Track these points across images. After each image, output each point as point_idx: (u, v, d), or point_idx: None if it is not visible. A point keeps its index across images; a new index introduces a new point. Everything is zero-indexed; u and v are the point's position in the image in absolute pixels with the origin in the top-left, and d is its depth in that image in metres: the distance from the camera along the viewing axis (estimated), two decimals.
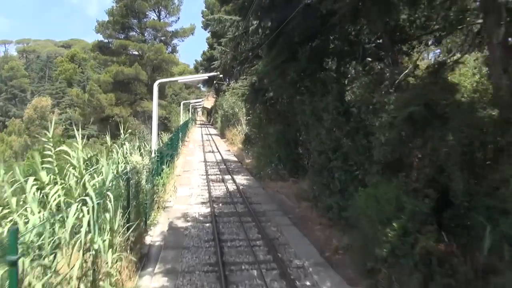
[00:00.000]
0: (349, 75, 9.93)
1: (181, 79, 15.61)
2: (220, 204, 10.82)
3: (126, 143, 11.57)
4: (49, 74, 72.98)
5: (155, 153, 12.54)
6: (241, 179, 15.20)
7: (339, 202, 8.52)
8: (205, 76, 15.25)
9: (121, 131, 11.13)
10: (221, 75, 16.39)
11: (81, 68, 61.43)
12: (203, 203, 11.03)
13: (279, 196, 13.12)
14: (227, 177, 15.37)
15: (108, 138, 11.28)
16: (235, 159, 22.21)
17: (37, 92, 64.17)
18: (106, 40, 38.01)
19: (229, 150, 26.77)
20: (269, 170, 16.54)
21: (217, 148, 27.61)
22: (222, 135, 42.27)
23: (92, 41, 36.31)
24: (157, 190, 11.06)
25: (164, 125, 38.26)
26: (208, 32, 62.61)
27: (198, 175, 15.76)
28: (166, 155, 15.29)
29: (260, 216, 9.65)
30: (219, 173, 16.42)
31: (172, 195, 12.35)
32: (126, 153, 11.15)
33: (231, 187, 13.42)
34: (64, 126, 46.19)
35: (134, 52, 36.02)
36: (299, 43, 10.49)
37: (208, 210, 10.14)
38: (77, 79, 58.17)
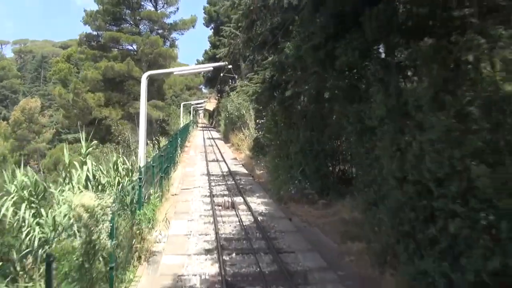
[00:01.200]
0: None
1: (178, 70, 11.90)
2: (234, 255, 7.08)
3: (89, 161, 7.91)
4: (44, 74, 69.49)
5: (140, 171, 8.88)
6: (257, 203, 11.49)
7: (453, 273, 4.78)
8: (209, 66, 11.63)
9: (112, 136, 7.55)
10: (229, 66, 12.64)
11: (77, 68, 57.68)
12: (207, 251, 7.30)
13: (313, 230, 9.42)
14: (238, 199, 11.66)
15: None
16: (244, 170, 18.51)
17: (29, 93, 60.67)
18: (95, 33, 33.74)
19: (235, 159, 23.06)
20: (291, 189, 12.85)
21: (222, 156, 23.91)
22: (226, 139, 38.59)
23: (79, 33, 32.72)
24: (138, 231, 7.37)
25: (162, 129, 34.64)
26: (211, 29, 59.25)
27: (199, 196, 12.04)
28: (158, 171, 11.61)
29: (301, 284, 5.94)
30: (227, 192, 12.71)
31: (162, 231, 8.64)
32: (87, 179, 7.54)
33: (246, 218, 9.69)
34: (55, 129, 42.66)
35: (127, 47, 32.33)
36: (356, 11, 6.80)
37: (216, 269, 6.40)
38: (73, 80, 54.69)
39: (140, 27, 33.08)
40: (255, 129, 24.53)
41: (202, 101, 59.86)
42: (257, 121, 18.00)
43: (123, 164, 9.93)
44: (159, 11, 33.72)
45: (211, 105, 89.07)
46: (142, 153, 11.02)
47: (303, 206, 12.19)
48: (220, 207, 10.69)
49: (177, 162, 19.31)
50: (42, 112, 46.76)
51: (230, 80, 66.25)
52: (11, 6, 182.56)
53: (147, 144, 20.21)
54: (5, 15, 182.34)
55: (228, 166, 18.81)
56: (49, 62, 72.82)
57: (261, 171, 18.73)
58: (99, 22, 30.99)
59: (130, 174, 9.37)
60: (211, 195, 11.90)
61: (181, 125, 37.04)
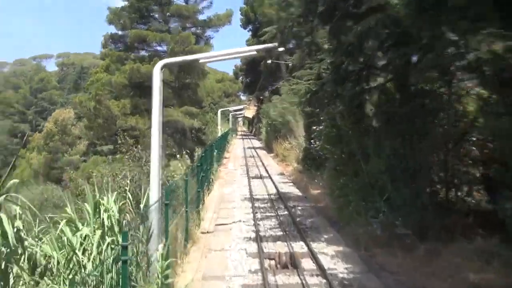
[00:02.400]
0: None
1: (206, 56, 8.27)
2: None
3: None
4: (83, 85, 69.35)
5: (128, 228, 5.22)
6: (329, 254, 7.47)
7: None
8: (251, 50, 7.77)
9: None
10: (281, 48, 8.74)
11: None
12: None
13: None
14: (299, 247, 7.70)
15: None
16: (296, 190, 14.56)
17: (66, 104, 60.21)
18: (120, 32, 30.59)
19: (282, 174, 19.16)
20: (376, 226, 8.76)
21: (266, 169, 20.10)
22: (268, 148, 34.82)
23: (104, 34, 30.01)
24: None
25: (197, 139, 31.48)
26: (248, 31, 56.07)
27: (241, 241, 8.18)
28: (181, 204, 7.96)
29: None
30: (280, 233, 8.76)
31: None
32: None
33: None
34: (88, 141, 40.85)
35: (156, 47, 29.27)
36: None
37: None
38: (109, 89, 53.17)
39: (169, 25, 29.82)
40: (305, 138, 20.53)
41: (241, 107, 56.45)
42: (313, 127, 14.00)
43: (122, 200, 6.33)
44: (190, 5, 30.27)
45: (250, 112, 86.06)
46: (155, 183, 7.36)
47: (395, 254, 8.08)
48: (274, 263, 6.79)
49: (212, 180, 15.68)
50: (78, 123, 45.27)
51: (269, 87, 62.91)
52: (56, 23, 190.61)
53: (176, 157, 16.95)
54: (51, 32, 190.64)
55: (275, 185, 14.93)
56: (88, 73, 72.75)
57: (318, 191, 14.73)
58: (124, 20, 28.04)
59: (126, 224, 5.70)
60: (258, 239, 8.02)
61: (219, 134, 33.77)
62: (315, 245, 7.75)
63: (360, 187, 10.37)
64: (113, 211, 4.91)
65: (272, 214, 10.47)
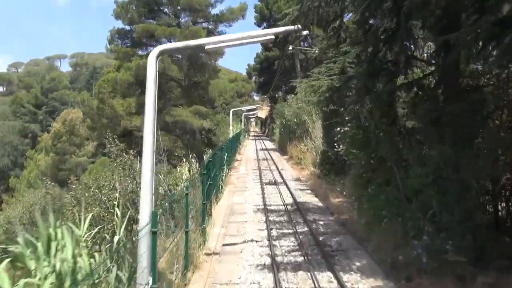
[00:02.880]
0: None
1: (211, 41, 6.81)
2: None
3: None
4: (94, 85, 68.72)
5: None
6: None
7: None
8: (268, 34, 6.27)
9: None
10: (304, 32, 7.11)
11: None
12: None
13: None
14: (328, 282, 6.11)
15: None
16: (315, 199, 12.93)
17: (76, 104, 59.52)
18: (127, 27, 28.62)
19: (299, 179, 17.53)
20: (421, 252, 7.10)
21: (280, 174, 18.51)
22: (282, 150, 33.20)
23: (110, 29, 28.54)
24: None
25: (208, 140, 30.01)
26: (263, 29, 54.51)
27: (253, 269, 6.58)
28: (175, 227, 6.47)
29: None
30: (300, 258, 7.16)
31: None
32: None
33: None
34: (98, 141, 39.78)
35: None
36: None
37: None
38: (114, 87, 52.48)
39: (180, 19, 28.32)
40: (323, 140, 18.88)
41: (254, 107, 54.94)
42: (337, 129, 12.33)
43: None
44: None
45: (263, 112, 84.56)
46: (146, 199, 5.88)
47: (446, 287, 6.50)
48: None
49: (221, 186, 14.18)
50: (85, 123, 44.28)
51: (283, 86, 61.28)
52: (72, 23, 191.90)
53: (183, 160, 15.48)
54: (67, 33, 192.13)
55: (291, 193, 13.34)
56: (101, 73, 72.18)
57: (339, 199, 13.11)
58: (132, 14, 26.52)
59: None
60: (274, 267, 6.45)
61: (230, 135, 32.27)
62: (346, 277, 6.15)
63: (394, 200, 8.77)
64: (66, 252, 3.37)
65: (290, 230, 8.88)
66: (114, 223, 6.74)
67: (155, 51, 6.54)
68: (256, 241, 8.02)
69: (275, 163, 23.51)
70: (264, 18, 50.37)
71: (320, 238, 8.17)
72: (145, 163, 6.21)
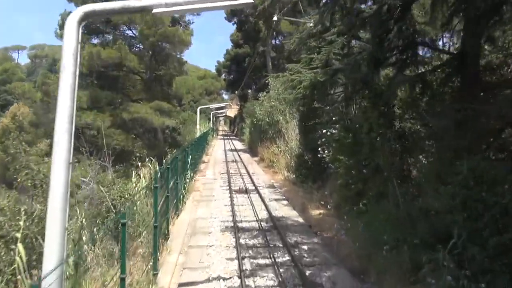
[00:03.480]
0: None
1: (159, 3, 4.93)
2: None
3: None
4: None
5: None
6: None
7: None
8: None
9: None
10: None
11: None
12: None
13: None
14: None
15: None
16: (293, 213, 11.09)
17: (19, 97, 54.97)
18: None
19: (272, 186, 15.68)
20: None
21: (252, 180, 16.60)
22: (252, 151, 31.36)
23: (61, 13, 25.45)
24: None
25: (172, 139, 27.59)
26: (233, 24, 52.47)
27: None
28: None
29: None
30: None
31: None
32: None
33: None
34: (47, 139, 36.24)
35: (126, 31, 25.03)
36: None
37: None
38: (41, 71, 48.69)
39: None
40: (300, 142, 17.14)
41: (223, 104, 52.77)
42: (324, 131, 10.52)
43: None
44: None
45: (232, 111, 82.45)
46: (55, 229, 3.80)
47: None
48: None
49: (184, 195, 12.12)
50: None
51: (253, 84, 59.42)
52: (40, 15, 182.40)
53: (140, 167, 13.19)
54: (35, 25, 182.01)
55: (265, 204, 11.44)
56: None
57: (320, 211, 11.41)
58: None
59: None
60: None
61: (197, 135, 30.05)
62: None
63: (395, 220, 7.11)
64: None
65: (267, 261, 6.95)
66: (16, 265, 4.57)
67: (75, 14, 4.42)
68: (224, 279, 6.05)
69: (245, 166, 21.59)
70: (235, 13, 48.19)
71: (307, 273, 6.31)
72: (56, 175, 4.10)
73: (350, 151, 9.13)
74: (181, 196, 11.68)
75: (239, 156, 27.94)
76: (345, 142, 9.18)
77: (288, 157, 19.30)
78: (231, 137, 59.50)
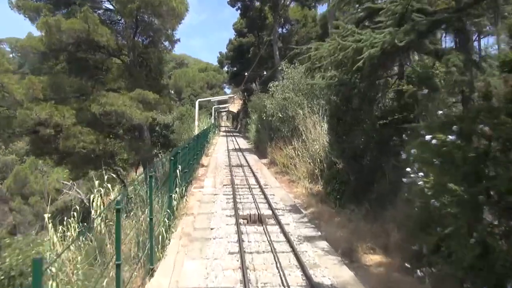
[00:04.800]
0: None
1: None
2: None
3: None
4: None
5: None
6: None
7: None
8: None
9: None
10: None
11: None
12: None
13: None
14: None
15: None
16: (348, 273, 6.61)
17: None
18: None
19: (296, 209, 11.27)
20: None
21: (265, 196, 12.28)
22: (259, 152, 26.98)
23: None
24: None
25: (164, 139, 23.19)
26: (237, 9, 47.86)
27: None
28: None
29: None
30: None
31: None
32: None
33: None
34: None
35: (105, 4, 20.05)
36: None
37: None
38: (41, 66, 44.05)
39: None
40: (330, 144, 12.74)
41: (226, 97, 48.25)
42: (425, 138, 6.02)
43: None
44: None
45: (235, 106, 78.10)
46: None
47: None
48: None
49: (171, 228, 7.79)
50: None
51: (258, 77, 54.90)
52: None
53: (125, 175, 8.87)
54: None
55: (296, 254, 7.04)
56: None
57: (375, 257, 7.14)
58: None
59: None
60: None
61: (196, 132, 25.66)
62: None
63: None
64: None
65: None
66: None
67: None
68: None
69: (253, 173, 17.23)
70: None
71: None
72: None
73: (470, 175, 4.77)
74: (168, 229, 7.40)
75: (244, 158, 23.57)
76: (459, 158, 4.80)
77: (311, 163, 14.95)
78: (234, 134, 55.07)
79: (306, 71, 10.83)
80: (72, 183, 27.27)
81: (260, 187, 13.83)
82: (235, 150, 29.29)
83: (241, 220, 9.29)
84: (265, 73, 46.34)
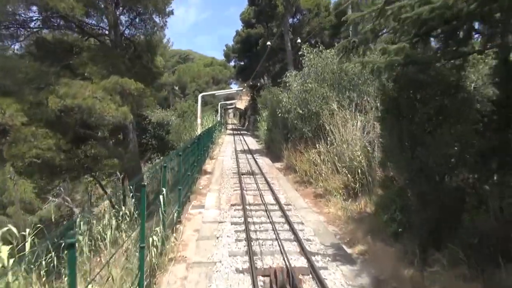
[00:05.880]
0: None
1: None
2: None
3: None
4: None
5: None
6: None
7: None
8: None
9: None
10: None
11: None
12: None
13: None
14: None
15: None
16: None
17: None
18: None
19: (343, 255, 7.57)
20: None
21: (290, 225, 8.64)
22: (272, 153, 23.33)
23: None
24: None
25: (158, 142, 19.59)
26: None
27: None
28: None
29: None
30: None
31: None
32: None
33: None
34: None
35: None
36: None
37: None
38: None
39: None
40: (383, 151, 9.07)
41: (233, 91, 44.60)
42: None
43: None
44: None
45: (242, 103, 74.45)
46: None
47: None
48: None
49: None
50: None
51: (266, 72, 51.28)
52: None
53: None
54: None
55: None
56: None
57: None
58: None
59: None
60: None
61: (198, 132, 22.10)
62: None
63: None
64: None
65: None
66: None
67: None
68: None
69: (269, 185, 13.62)
70: None
71: None
72: None
73: None
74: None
75: (255, 162, 19.95)
76: None
77: (347, 175, 11.30)
78: (241, 132, 51.47)
79: (341, 51, 7.49)
80: (59, 189, 23.91)
81: (281, 208, 10.21)
82: (244, 151, 25.69)
83: (260, 282, 5.69)
84: (277, 66, 42.84)
